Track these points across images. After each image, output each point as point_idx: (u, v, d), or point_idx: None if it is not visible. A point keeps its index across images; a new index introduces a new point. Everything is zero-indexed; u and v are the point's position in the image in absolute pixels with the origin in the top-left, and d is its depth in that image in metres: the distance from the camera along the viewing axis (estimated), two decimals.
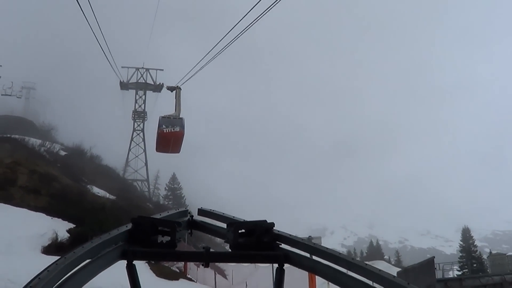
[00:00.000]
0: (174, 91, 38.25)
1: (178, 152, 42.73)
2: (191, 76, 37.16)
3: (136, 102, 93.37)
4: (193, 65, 34.37)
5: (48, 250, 26.36)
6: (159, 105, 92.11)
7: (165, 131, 37.23)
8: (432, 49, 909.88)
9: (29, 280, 1.73)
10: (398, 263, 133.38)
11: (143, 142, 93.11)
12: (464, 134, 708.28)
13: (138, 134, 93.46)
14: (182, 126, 37.47)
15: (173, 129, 37.12)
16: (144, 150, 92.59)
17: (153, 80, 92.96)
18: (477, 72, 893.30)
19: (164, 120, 37.53)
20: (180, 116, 37.69)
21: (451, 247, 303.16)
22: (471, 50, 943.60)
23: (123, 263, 3.37)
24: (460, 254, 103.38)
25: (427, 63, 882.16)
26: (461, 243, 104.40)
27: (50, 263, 2.14)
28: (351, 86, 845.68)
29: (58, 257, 2.57)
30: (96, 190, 49.16)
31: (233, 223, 5.36)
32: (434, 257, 41.60)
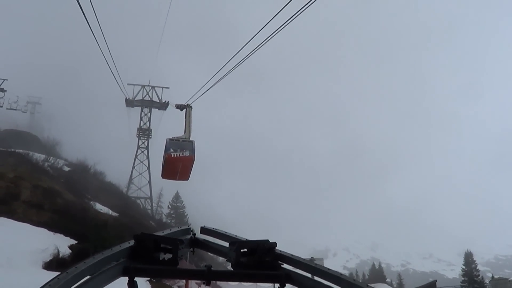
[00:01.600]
0: (184, 110, 33.98)
1: (187, 180, 37.05)
2: (200, 96, 33.95)
3: (141, 119, 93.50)
4: (198, 84, 33.43)
5: (49, 265, 26.30)
6: (164, 124, 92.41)
7: (173, 156, 32.11)
8: (435, 75, 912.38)
9: None
10: (400, 287, 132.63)
11: (147, 160, 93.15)
12: (468, 159, 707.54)
13: (142, 152, 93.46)
14: (193, 150, 32.43)
15: (182, 154, 32.15)
16: (148, 168, 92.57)
17: (158, 98, 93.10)
18: (478, 98, 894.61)
19: (172, 143, 32.41)
20: (191, 139, 32.98)
21: (453, 271, 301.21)
22: (472, 77, 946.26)
23: (124, 280, 3.36)
24: (462, 279, 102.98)
25: (431, 88, 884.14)
26: (464, 267, 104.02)
27: (51, 278, 2.11)
28: (354, 109, 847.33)
29: (59, 272, 2.56)
30: (99, 206, 49.09)
31: (235, 242, 5.35)
32: (436, 280, 41.58)
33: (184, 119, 33.92)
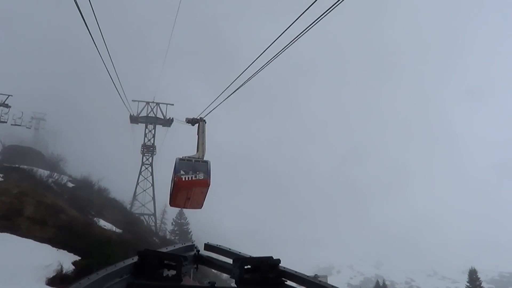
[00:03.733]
0: (196, 125, 30.01)
1: (200, 208, 31.03)
2: (210, 112, 29.49)
3: (145, 136, 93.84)
4: (203, 101, 32.30)
5: (52, 282, 26.30)
6: (168, 140, 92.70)
7: (184, 179, 26.77)
8: (440, 93, 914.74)
9: None
10: None
11: (151, 177, 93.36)
12: (471, 176, 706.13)
13: (146, 168, 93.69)
14: (208, 173, 27.34)
15: (195, 177, 26.91)
16: (152, 185, 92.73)
17: (163, 115, 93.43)
18: (481, 118, 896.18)
19: (183, 164, 27.35)
20: (205, 159, 28.23)
21: None
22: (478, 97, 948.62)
23: None
24: None
25: (435, 106, 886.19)
26: (468, 284, 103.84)
27: None
28: (358, 127, 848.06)
29: None
30: (103, 223, 49.09)
31: (239, 259, 5.40)
32: None
33: (197, 135, 29.58)
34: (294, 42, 15.48)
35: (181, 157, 27.82)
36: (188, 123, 30.62)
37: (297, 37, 15.12)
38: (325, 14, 13.35)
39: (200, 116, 30.24)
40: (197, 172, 27.03)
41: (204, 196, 28.82)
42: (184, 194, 28.19)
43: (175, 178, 27.04)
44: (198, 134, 29.48)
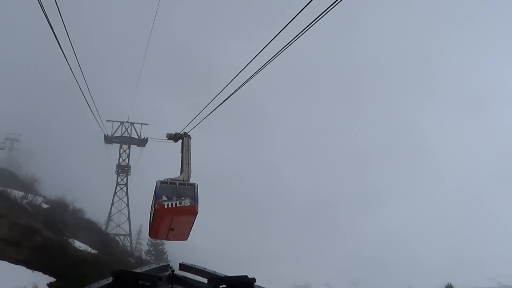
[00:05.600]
0: (179, 142, 26.79)
1: (185, 239, 26.37)
2: (193, 128, 26.27)
3: (120, 156, 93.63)
4: (177, 122, 30.31)
5: None
6: (143, 160, 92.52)
7: (166, 207, 22.77)
8: (415, 109, 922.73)
9: None
10: None
11: (126, 197, 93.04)
12: (447, 192, 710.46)
13: (121, 189, 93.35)
14: (195, 199, 23.51)
15: (180, 204, 22.98)
16: (127, 205, 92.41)
17: (137, 135, 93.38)
18: (460, 134, 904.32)
19: (165, 188, 23.33)
20: (191, 181, 24.47)
21: None
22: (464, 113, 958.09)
23: None
24: None
25: (411, 123, 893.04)
26: None
27: None
28: (333, 144, 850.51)
29: None
30: (78, 243, 48.79)
31: (214, 278, 5.65)
32: None
33: (180, 153, 26.13)
34: (275, 57, 15.67)
35: (163, 179, 23.76)
36: (170, 139, 27.24)
37: (278, 53, 15.28)
38: (302, 32, 13.65)
39: (184, 131, 27.02)
40: (182, 198, 23.14)
41: (191, 226, 24.72)
42: (167, 224, 23.93)
43: (156, 205, 23.02)
44: (182, 152, 26.00)
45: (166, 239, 28.35)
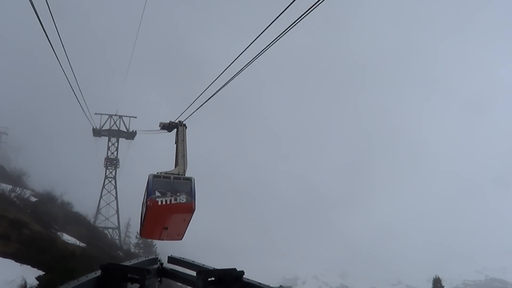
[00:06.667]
0: (174, 131, 24.80)
1: (180, 239, 23.82)
2: (187, 117, 23.92)
3: (108, 149, 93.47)
4: (166, 115, 28.49)
5: None
6: (132, 154, 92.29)
7: (160, 204, 20.50)
8: (402, 103, 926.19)
9: None
10: None
11: (114, 190, 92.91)
12: (435, 186, 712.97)
13: (110, 182, 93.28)
14: (192, 195, 21.29)
15: (175, 200, 20.75)
16: (116, 198, 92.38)
17: (126, 128, 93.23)
18: (450, 130, 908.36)
19: (159, 183, 21.08)
20: (187, 175, 22.39)
21: None
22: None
23: None
24: None
25: (402, 119, 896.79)
26: None
27: None
28: (321, 137, 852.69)
29: None
30: (67, 237, 48.65)
31: (203, 271, 5.67)
32: None
33: (175, 144, 24.02)
34: (267, 49, 15.55)
35: (156, 173, 21.62)
36: (163, 129, 25.41)
37: (270, 44, 15.20)
38: (298, 21, 13.59)
39: (179, 120, 25.00)
40: (178, 194, 20.91)
41: (187, 225, 22.38)
42: (160, 222, 21.75)
43: (148, 202, 20.65)
44: (176, 142, 23.94)
45: (159, 239, 24.68)
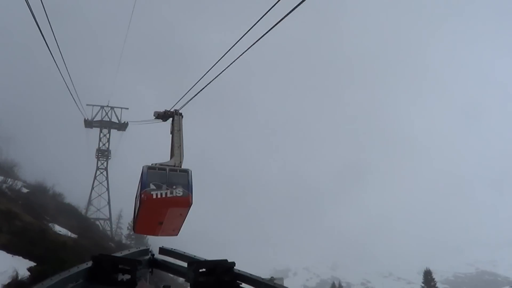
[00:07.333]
0: (170, 120, 23.35)
1: (176, 235, 22.29)
2: (184, 105, 22.26)
3: (100, 140, 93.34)
4: (158, 106, 26.01)
5: None
6: (123, 145, 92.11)
7: (154, 197, 19.11)
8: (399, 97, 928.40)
9: None
10: None
11: (106, 181, 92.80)
12: (424, 178, 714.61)
13: (101, 173, 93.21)
14: (189, 188, 19.76)
15: (171, 193, 19.36)
16: (107, 189, 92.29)
17: (117, 119, 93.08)
18: (442, 124, 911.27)
19: (153, 175, 19.69)
20: (184, 167, 20.93)
21: None
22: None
23: None
24: None
25: (393, 112, 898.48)
26: (423, 285, 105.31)
27: None
28: (316, 130, 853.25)
29: None
30: (58, 228, 48.66)
31: (194, 262, 5.73)
32: None
33: (170, 134, 22.77)
34: (265, 35, 15.36)
35: (151, 164, 20.14)
36: (158, 118, 23.83)
37: (268, 31, 15.07)
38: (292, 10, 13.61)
39: (174, 108, 23.47)
40: (174, 187, 19.49)
41: (183, 220, 21.02)
42: (155, 217, 20.37)
43: (142, 195, 19.20)
44: (172, 132, 22.60)
45: (154, 235, 22.85)
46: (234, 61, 16.96)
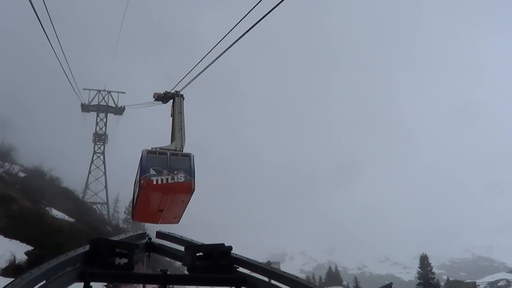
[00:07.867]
0: (170, 102, 22.38)
1: (177, 222, 20.87)
2: (184, 87, 21.43)
3: (97, 124, 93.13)
4: (155, 90, 24.84)
5: (5, 272, 26.20)
6: (120, 129, 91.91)
7: (155, 183, 18.11)
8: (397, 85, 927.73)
9: None
10: None
11: (103, 165, 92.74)
12: (423, 163, 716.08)
13: (98, 157, 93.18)
14: (191, 173, 18.78)
15: (173, 179, 18.33)
16: (104, 173, 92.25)
17: (114, 103, 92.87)
18: (439, 112, 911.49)
19: (154, 159, 18.74)
20: (185, 152, 19.88)
21: (409, 274, 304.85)
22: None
23: (80, 285, 3.64)
24: (418, 281, 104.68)
25: (389, 100, 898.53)
26: (419, 270, 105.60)
27: (5, 284, 2.37)
28: (311, 115, 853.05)
29: (14, 278, 2.82)
30: (55, 212, 48.71)
31: (191, 246, 5.74)
32: (391, 283, 42.16)
33: (171, 117, 21.72)
34: (254, 27, 15.31)
35: (150, 148, 19.15)
36: (157, 100, 22.85)
37: (257, 22, 14.95)
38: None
39: (175, 90, 22.40)
40: (175, 172, 18.50)
41: (185, 207, 19.94)
42: (155, 204, 19.19)
43: (142, 181, 18.23)
44: (173, 115, 21.58)
45: (154, 222, 21.30)
46: (236, 42, 16.41)
